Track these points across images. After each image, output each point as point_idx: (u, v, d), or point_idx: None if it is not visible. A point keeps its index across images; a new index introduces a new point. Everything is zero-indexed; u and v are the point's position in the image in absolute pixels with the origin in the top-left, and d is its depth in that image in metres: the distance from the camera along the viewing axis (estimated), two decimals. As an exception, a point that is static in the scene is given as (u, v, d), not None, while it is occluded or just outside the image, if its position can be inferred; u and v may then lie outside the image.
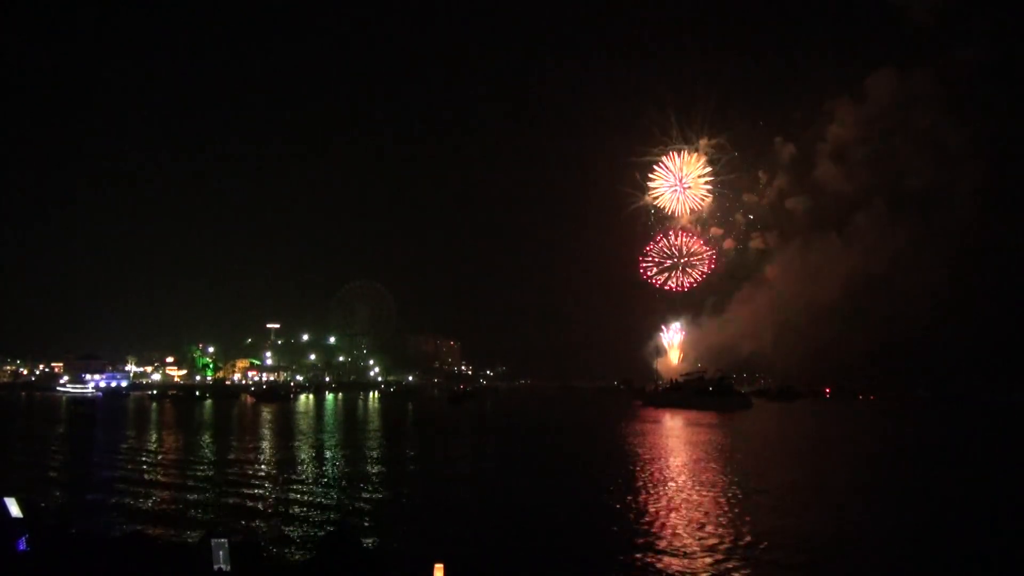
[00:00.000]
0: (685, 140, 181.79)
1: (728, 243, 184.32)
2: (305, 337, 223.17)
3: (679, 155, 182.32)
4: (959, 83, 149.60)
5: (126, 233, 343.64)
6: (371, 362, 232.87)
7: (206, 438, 49.70)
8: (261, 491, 25.98)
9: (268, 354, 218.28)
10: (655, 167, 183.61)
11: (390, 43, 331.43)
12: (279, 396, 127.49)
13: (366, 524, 20.25)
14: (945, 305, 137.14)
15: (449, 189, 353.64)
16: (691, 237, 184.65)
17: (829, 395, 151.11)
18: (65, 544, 12.61)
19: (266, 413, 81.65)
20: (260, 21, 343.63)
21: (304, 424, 64.92)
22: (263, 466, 33.59)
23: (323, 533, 18.69)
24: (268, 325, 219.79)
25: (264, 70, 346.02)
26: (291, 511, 22.05)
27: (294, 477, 29.41)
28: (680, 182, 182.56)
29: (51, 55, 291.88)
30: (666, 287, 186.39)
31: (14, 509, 12.66)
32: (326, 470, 32.23)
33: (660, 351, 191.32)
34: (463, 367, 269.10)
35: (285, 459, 36.01)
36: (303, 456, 37.57)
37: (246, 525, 19.99)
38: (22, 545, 11.95)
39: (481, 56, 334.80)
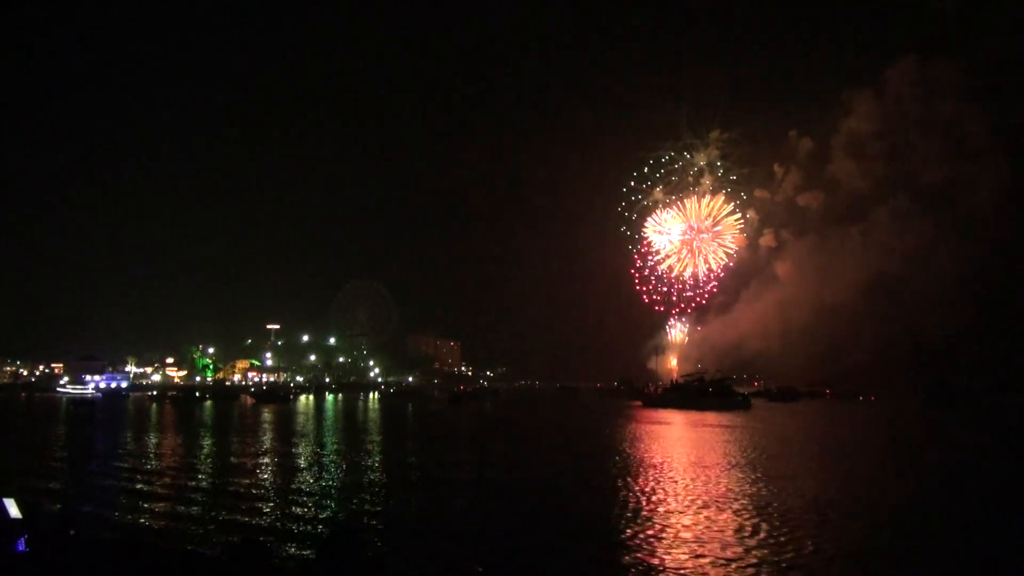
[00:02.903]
0: (695, 134, 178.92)
1: (738, 240, 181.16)
2: (305, 338, 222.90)
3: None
4: (983, 73, 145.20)
5: (126, 233, 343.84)
6: (371, 363, 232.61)
7: (206, 439, 49.64)
8: (261, 492, 25.92)
9: (268, 355, 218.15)
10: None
11: (391, 42, 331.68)
12: (279, 397, 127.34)
13: (368, 526, 20.19)
14: (957, 305, 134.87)
15: (450, 189, 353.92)
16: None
17: (829, 396, 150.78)
18: (64, 545, 12.56)
19: (266, 414, 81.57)
20: (261, 20, 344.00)
21: (304, 425, 64.85)
22: (263, 467, 33.53)
23: (325, 533, 18.64)
24: (268, 326, 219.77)
25: (265, 70, 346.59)
26: (292, 512, 21.99)
27: (294, 478, 29.35)
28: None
29: (51, 54, 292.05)
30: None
31: (13, 510, 12.60)
32: (327, 471, 32.16)
33: (659, 351, 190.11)
34: (463, 368, 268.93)
35: (285, 460, 35.95)
36: (303, 457, 37.51)
37: (247, 527, 19.93)
38: (21, 546, 11.89)
39: (484, 54, 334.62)
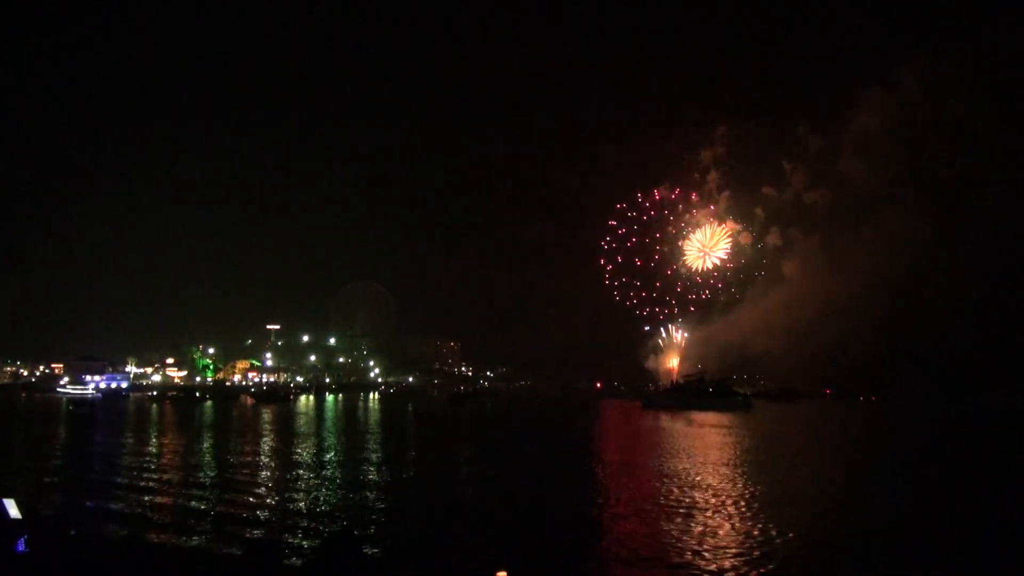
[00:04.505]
0: (701, 130, 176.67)
1: (744, 238, 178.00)
2: (305, 338, 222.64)
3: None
4: (994, 70, 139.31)
5: (127, 234, 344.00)
6: (371, 363, 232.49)
7: (206, 440, 49.59)
8: (261, 494, 25.88)
9: (268, 355, 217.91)
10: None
11: (393, 44, 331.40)
12: (279, 397, 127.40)
13: (368, 528, 20.16)
14: (963, 305, 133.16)
15: (450, 189, 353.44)
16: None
17: (829, 396, 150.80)
18: (64, 545, 12.54)
19: (266, 414, 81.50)
20: (261, 23, 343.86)
21: (304, 426, 64.79)
22: (263, 468, 33.52)
23: (325, 535, 18.61)
24: (268, 326, 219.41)
25: (265, 71, 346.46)
26: (292, 514, 21.94)
27: (295, 480, 29.30)
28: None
29: (53, 55, 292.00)
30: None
31: (13, 511, 12.60)
32: (327, 473, 32.11)
33: (658, 351, 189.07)
34: (463, 368, 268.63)
35: (285, 461, 35.89)
36: (304, 459, 37.43)
37: (247, 527, 19.91)
38: (21, 546, 11.89)
39: (485, 53, 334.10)
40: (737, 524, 20.30)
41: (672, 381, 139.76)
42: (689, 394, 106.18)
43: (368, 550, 16.19)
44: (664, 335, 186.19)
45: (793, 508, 23.01)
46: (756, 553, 17.07)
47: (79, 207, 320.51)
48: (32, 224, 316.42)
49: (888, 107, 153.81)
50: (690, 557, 16.64)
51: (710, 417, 76.27)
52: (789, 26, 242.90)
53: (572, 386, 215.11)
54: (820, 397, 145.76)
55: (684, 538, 18.54)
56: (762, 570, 15.73)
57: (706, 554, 16.92)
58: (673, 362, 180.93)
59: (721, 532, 19.28)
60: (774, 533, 19.14)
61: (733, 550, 17.33)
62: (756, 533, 19.16)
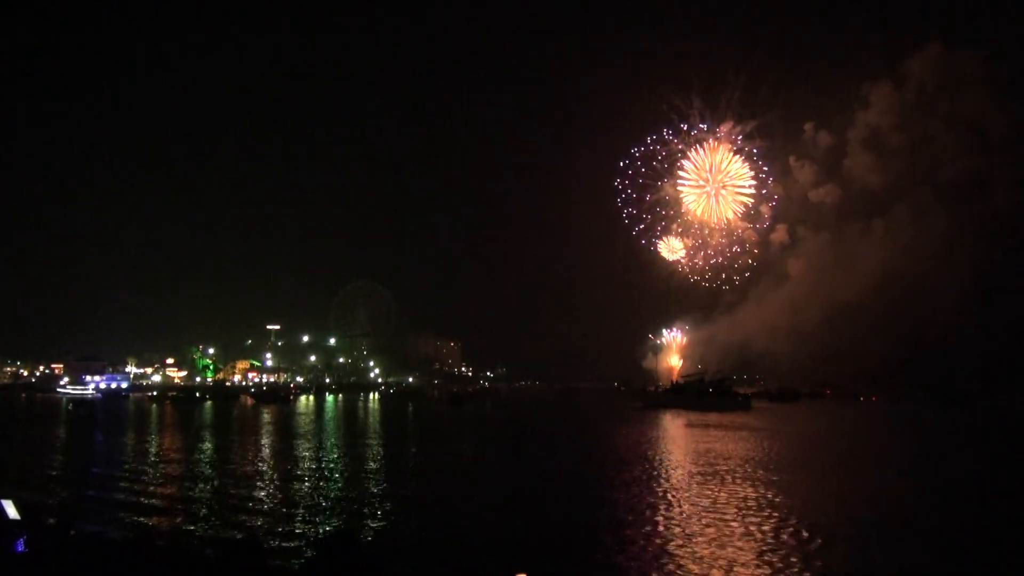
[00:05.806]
0: (707, 128, 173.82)
1: (749, 235, 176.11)
2: (305, 338, 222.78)
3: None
4: (1007, 65, 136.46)
5: (126, 234, 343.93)
6: (371, 363, 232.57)
7: (206, 441, 49.55)
8: (261, 494, 25.90)
9: (268, 355, 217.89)
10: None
11: (392, 45, 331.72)
12: (279, 397, 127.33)
13: (367, 528, 20.16)
14: (970, 306, 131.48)
15: (450, 189, 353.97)
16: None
17: (829, 396, 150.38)
18: (64, 546, 12.54)
19: (266, 415, 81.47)
20: (260, 23, 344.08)
21: (304, 426, 64.75)
22: (263, 469, 33.51)
23: (324, 534, 18.63)
24: (268, 326, 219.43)
25: (264, 72, 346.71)
26: (292, 514, 21.95)
27: (294, 481, 29.30)
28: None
29: (52, 56, 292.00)
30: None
31: (11, 511, 12.60)
32: (327, 473, 32.10)
33: (657, 351, 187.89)
34: (463, 368, 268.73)
35: (285, 463, 35.87)
36: (304, 460, 37.43)
37: (247, 528, 19.91)
38: (20, 546, 11.89)
39: (484, 48, 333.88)
40: (753, 524, 20.24)
41: (672, 381, 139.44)
42: (689, 394, 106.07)
43: (368, 551, 16.19)
44: (665, 334, 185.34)
45: (802, 512, 22.98)
46: (776, 552, 17.06)
47: (79, 207, 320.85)
48: (32, 224, 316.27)
49: (897, 102, 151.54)
50: (708, 560, 16.59)
51: (709, 417, 76.20)
52: (796, 18, 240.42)
53: (572, 386, 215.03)
54: (821, 397, 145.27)
55: (698, 539, 18.52)
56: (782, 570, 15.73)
57: (726, 555, 16.91)
58: (674, 360, 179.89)
59: (738, 533, 19.25)
60: (807, 535, 18.99)
61: (754, 551, 17.31)
62: (772, 532, 19.11)
